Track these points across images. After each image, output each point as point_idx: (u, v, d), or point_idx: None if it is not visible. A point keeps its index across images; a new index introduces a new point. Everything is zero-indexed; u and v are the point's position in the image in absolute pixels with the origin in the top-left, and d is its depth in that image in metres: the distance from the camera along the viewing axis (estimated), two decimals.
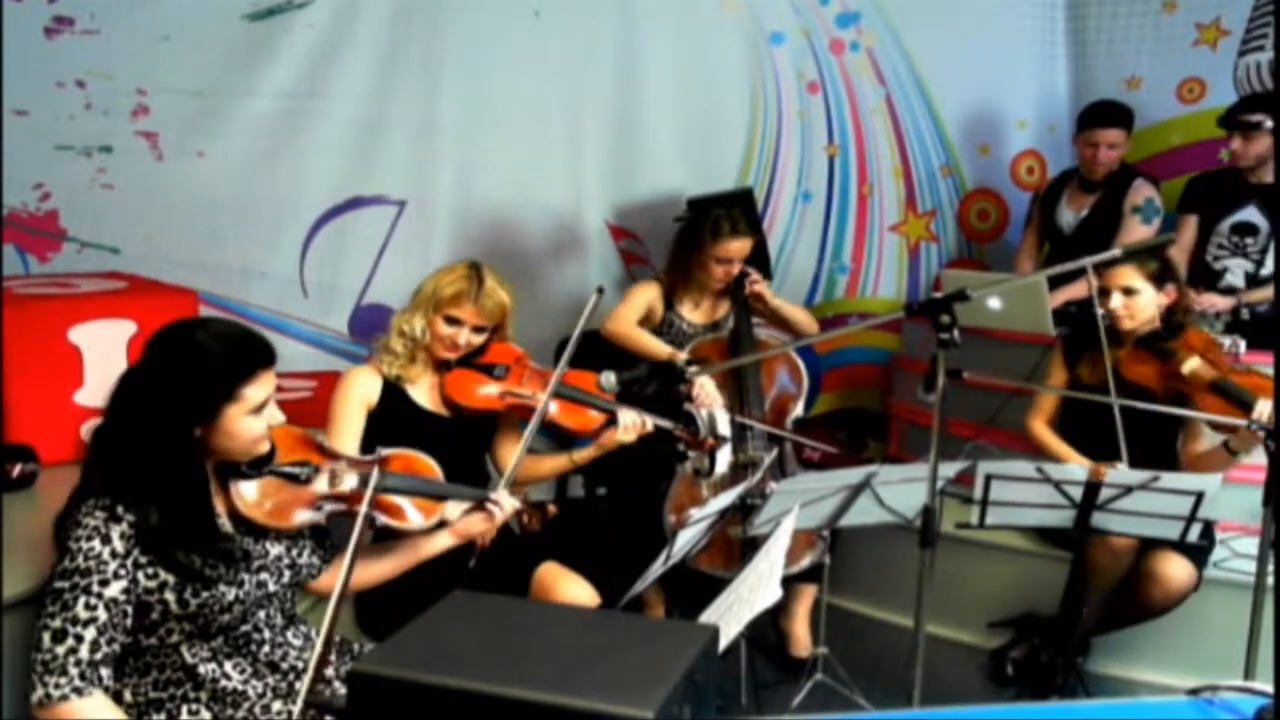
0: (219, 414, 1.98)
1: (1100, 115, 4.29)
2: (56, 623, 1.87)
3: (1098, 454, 3.11)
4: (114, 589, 1.90)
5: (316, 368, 4.19)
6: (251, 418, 2.01)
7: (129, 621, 1.94)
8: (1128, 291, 3.25)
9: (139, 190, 3.99)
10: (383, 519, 2.31)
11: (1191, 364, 3.16)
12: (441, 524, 2.43)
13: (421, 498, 2.38)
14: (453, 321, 2.83)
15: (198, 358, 1.96)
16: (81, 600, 1.88)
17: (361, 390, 2.81)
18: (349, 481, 2.20)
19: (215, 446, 2.02)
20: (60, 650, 1.86)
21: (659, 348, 3.54)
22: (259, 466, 2.07)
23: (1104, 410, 3.08)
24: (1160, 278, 3.27)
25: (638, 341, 3.59)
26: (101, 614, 1.89)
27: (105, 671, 1.91)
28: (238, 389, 1.98)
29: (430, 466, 2.46)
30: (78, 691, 1.86)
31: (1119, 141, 4.27)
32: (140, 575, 1.94)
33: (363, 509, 2.09)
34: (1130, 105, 4.44)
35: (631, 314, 3.69)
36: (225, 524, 2.08)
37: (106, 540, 1.90)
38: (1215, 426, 3.15)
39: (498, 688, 1.22)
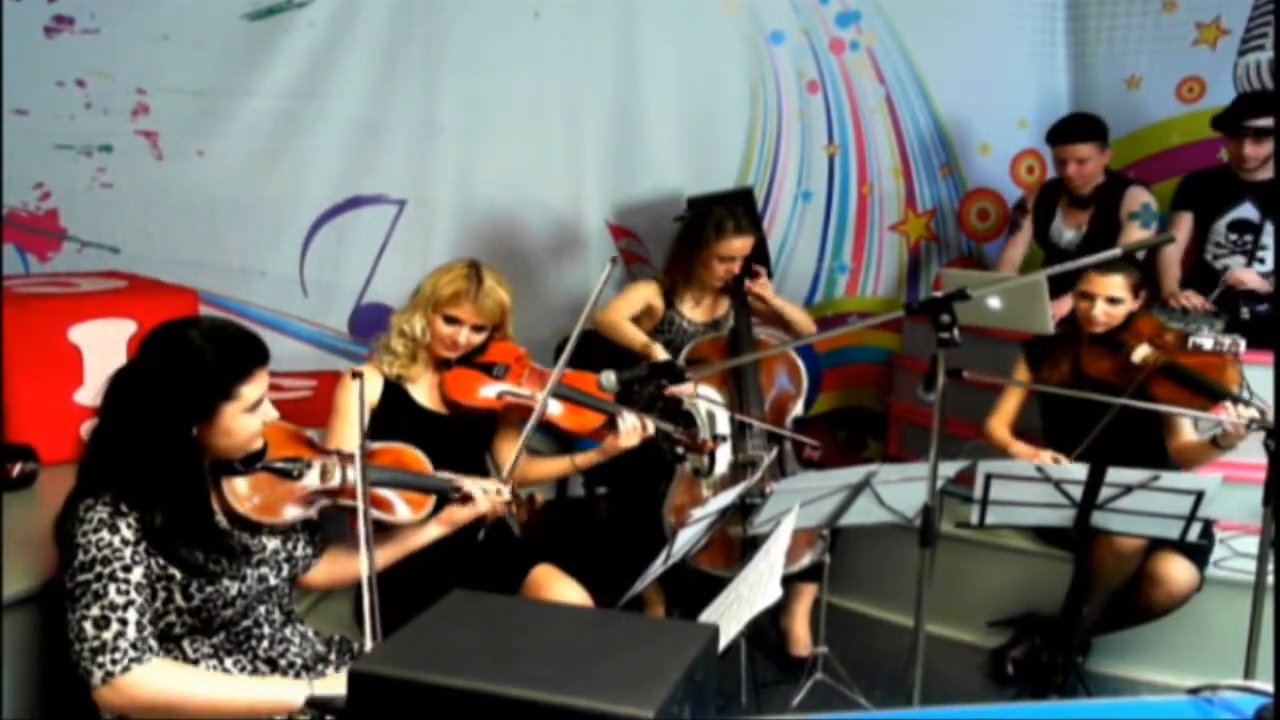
0: (217, 413, 1.99)
1: (1065, 131, 4.22)
2: (94, 611, 1.88)
3: (1078, 453, 3.12)
4: (137, 573, 1.92)
5: (316, 367, 4.19)
6: (248, 415, 2.02)
7: (159, 599, 1.97)
8: (1113, 301, 3.27)
9: (139, 190, 3.99)
10: (373, 512, 2.31)
11: (1141, 351, 3.20)
12: (430, 516, 2.44)
13: (410, 490, 2.39)
14: (452, 321, 2.83)
15: (195, 357, 1.97)
16: (112, 587, 1.89)
17: (369, 383, 2.81)
18: (339, 476, 2.21)
19: (212, 444, 2.02)
20: (107, 635, 1.87)
21: (636, 338, 3.59)
22: (252, 463, 2.09)
23: (1079, 411, 3.09)
24: (1138, 288, 3.33)
25: (621, 331, 3.62)
26: (135, 595, 1.91)
27: (154, 643, 1.93)
28: (235, 388, 1.99)
29: (419, 459, 2.47)
30: (137, 661, 1.88)
31: (1089, 155, 4.17)
32: (152, 563, 1.95)
33: (360, 503, 2.10)
34: (1130, 105, 4.42)
35: (626, 308, 3.71)
36: (221, 520, 2.09)
37: (115, 530, 1.91)
38: (1186, 415, 3.19)
39: (498, 688, 1.22)
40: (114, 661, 1.87)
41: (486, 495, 2.49)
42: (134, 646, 1.88)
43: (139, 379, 2.00)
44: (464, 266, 2.87)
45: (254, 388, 2.02)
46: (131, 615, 1.89)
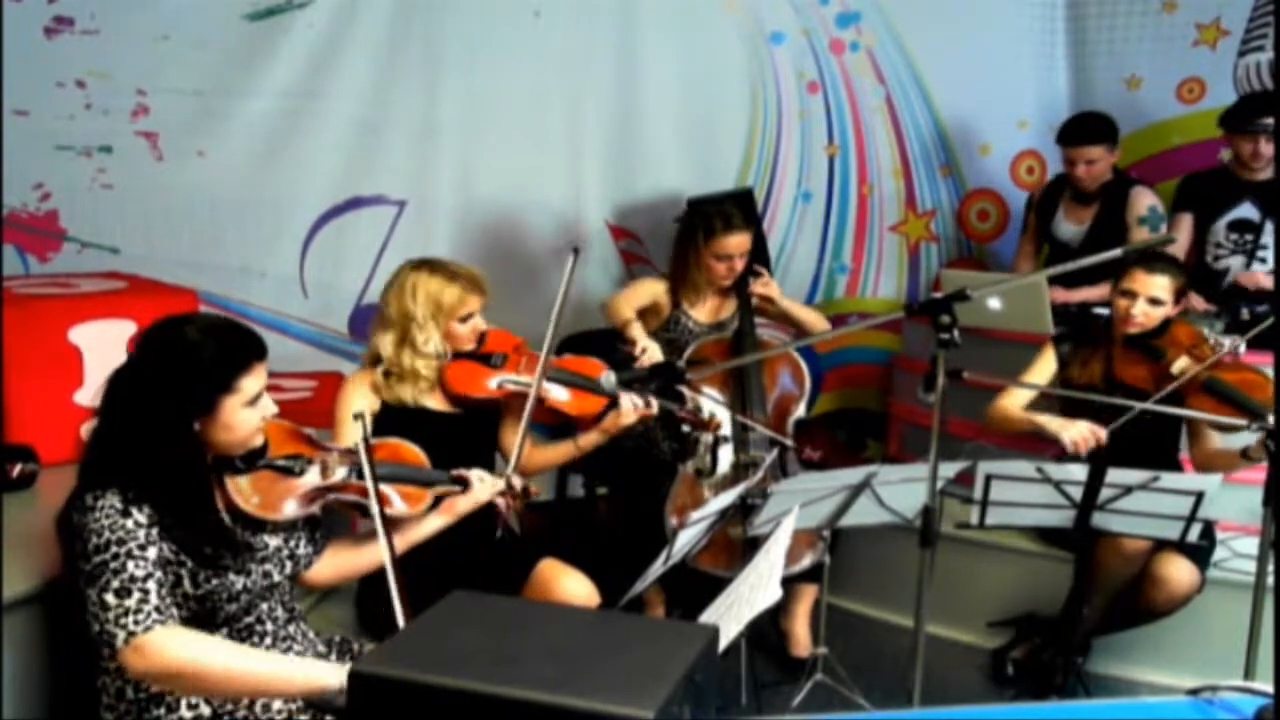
0: (217, 407, 2.00)
1: (1074, 133, 4.21)
2: (116, 583, 1.88)
3: (1092, 453, 3.11)
4: (152, 553, 1.93)
5: (316, 368, 4.19)
6: (248, 409, 2.03)
7: (168, 582, 1.97)
8: (1154, 302, 3.21)
9: (139, 190, 3.99)
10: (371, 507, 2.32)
11: (1181, 363, 3.14)
12: (430, 508, 2.44)
13: (410, 485, 2.39)
14: (466, 319, 2.86)
15: (192, 352, 1.98)
16: (130, 563, 1.90)
17: (361, 394, 2.81)
18: (340, 473, 2.22)
19: (214, 440, 2.03)
20: (130, 601, 1.87)
21: (627, 320, 3.59)
22: (253, 460, 2.09)
23: (1099, 409, 3.08)
24: (1181, 292, 3.28)
25: (618, 315, 3.62)
26: (154, 569, 1.91)
27: (175, 611, 1.93)
28: (233, 381, 2.00)
29: (416, 453, 2.47)
30: (160, 622, 1.88)
31: (1098, 157, 4.16)
32: (164, 546, 1.96)
33: (373, 501, 2.12)
34: (1130, 105, 4.40)
35: (633, 298, 3.70)
36: (224, 518, 2.09)
37: (128, 515, 1.92)
38: (1219, 427, 3.14)
39: (498, 688, 1.23)
40: (137, 622, 1.86)
41: (484, 483, 2.49)
42: (157, 610, 1.88)
43: (138, 376, 2.01)
44: (430, 270, 2.86)
45: (253, 381, 2.03)
46: (152, 585, 1.90)
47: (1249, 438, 3.03)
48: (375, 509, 2.11)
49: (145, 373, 2.00)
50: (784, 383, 3.63)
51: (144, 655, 1.86)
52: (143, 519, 1.93)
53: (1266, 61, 4.55)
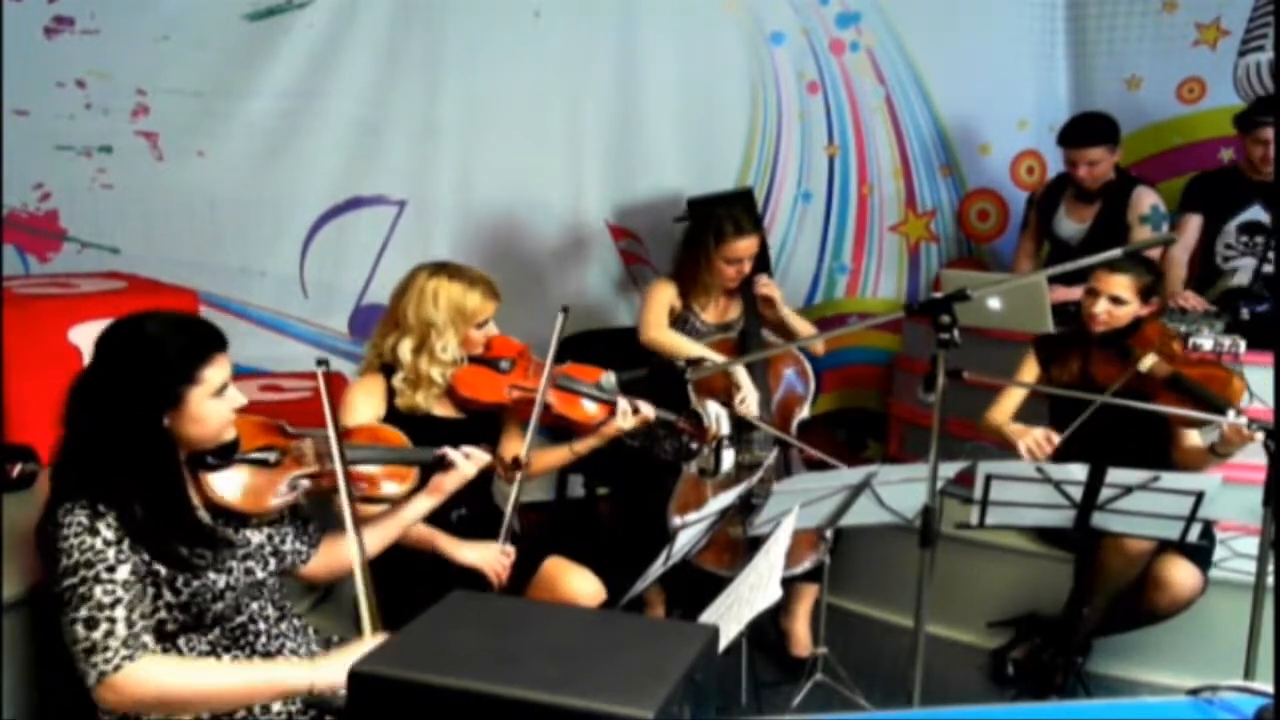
0: (183, 399, 2.00)
1: (1075, 135, 4.20)
2: (83, 613, 1.89)
3: (1084, 454, 3.11)
4: (123, 571, 1.92)
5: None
6: (215, 401, 2.03)
7: (149, 596, 1.97)
8: (1115, 300, 3.24)
9: (139, 190, 3.99)
10: (360, 491, 2.32)
11: (1147, 361, 3.16)
12: (417, 489, 2.43)
13: (392, 465, 2.38)
14: (482, 324, 2.87)
15: (152, 347, 1.99)
16: (98, 589, 1.90)
17: (369, 400, 2.81)
18: (316, 459, 2.22)
19: (185, 435, 2.03)
20: (98, 635, 1.88)
21: (692, 349, 3.52)
22: (226, 456, 2.09)
23: (1080, 409, 3.09)
24: (1148, 293, 3.29)
25: (679, 348, 3.55)
26: (122, 593, 1.91)
27: (148, 638, 1.94)
28: (196, 372, 2.01)
29: (396, 434, 2.47)
30: (129, 658, 1.89)
31: (1100, 158, 4.15)
32: (137, 560, 1.96)
33: (340, 483, 2.11)
34: (1130, 105, 4.38)
35: (662, 318, 3.66)
36: (203, 515, 2.09)
37: (95, 532, 1.92)
38: (1183, 423, 3.17)
39: (498, 688, 1.23)
40: (106, 660, 1.88)
41: (470, 459, 2.47)
42: (125, 644, 1.89)
43: (102, 377, 2.01)
44: (449, 275, 2.84)
45: (216, 371, 2.03)
46: (120, 613, 1.90)
47: (1215, 434, 3.07)
48: (344, 494, 2.11)
49: (108, 373, 2.00)
50: (787, 384, 3.63)
51: (118, 692, 1.89)
52: (110, 535, 1.92)
53: (1266, 61, 4.55)
